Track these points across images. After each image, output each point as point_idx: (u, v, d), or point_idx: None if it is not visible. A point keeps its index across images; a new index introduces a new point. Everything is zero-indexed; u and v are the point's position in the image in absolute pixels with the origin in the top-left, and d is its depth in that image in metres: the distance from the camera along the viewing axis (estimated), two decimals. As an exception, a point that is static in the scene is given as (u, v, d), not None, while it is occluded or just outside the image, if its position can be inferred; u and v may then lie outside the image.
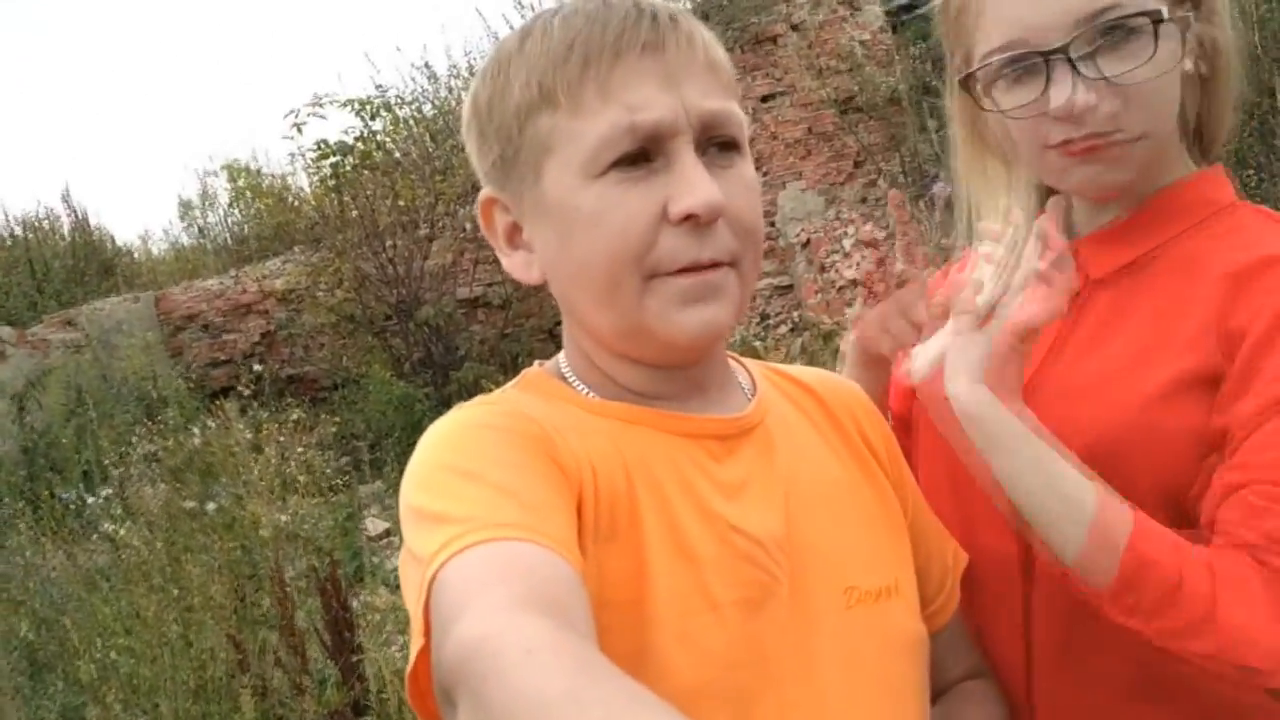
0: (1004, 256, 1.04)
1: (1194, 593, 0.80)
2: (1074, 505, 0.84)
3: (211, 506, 4.58)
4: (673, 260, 0.73)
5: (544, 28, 0.76)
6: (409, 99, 8.38)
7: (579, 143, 0.73)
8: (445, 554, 0.62)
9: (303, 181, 9.08)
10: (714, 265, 0.74)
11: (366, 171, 7.67)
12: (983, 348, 0.89)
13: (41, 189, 15.22)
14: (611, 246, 0.73)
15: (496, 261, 0.82)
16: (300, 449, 5.93)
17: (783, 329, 6.80)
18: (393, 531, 5.34)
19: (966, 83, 0.96)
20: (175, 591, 3.59)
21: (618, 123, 0.72)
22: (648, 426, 0.77)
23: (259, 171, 9.83)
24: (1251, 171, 4.77)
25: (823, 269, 6.88)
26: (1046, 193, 1.05)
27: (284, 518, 4.66)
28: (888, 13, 7.19)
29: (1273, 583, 0.80)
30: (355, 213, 7.53)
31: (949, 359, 0.90)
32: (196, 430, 6.08)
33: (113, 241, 10.05)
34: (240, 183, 9.79)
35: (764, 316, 7.06)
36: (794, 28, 7.39)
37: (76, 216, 9.72)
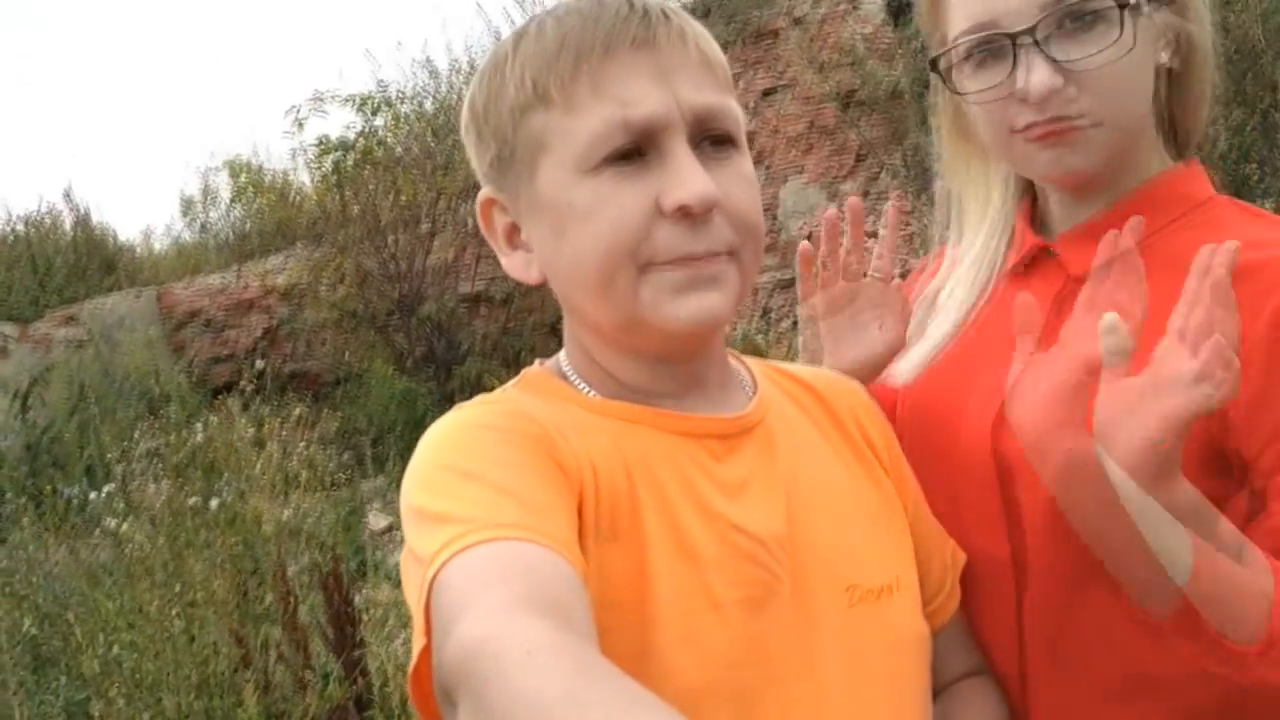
0: (980, 251, 1.05)
1: None
2: (1255, 597, 0.79)
3: (214, 503, 4.58)
4: (667, 252, 0.74)
5: (538, 27, 0.77)
6: (410, 95, 8.38)
7: (572, 139, 0.74)
8: (446, 554, 0.62)
9: (304, 178, 9.09)
10: (710, 256, 0.74)
11: (368, 168, 7.68)
12: (1144, 410, 0.77)
13: (44, 186, 15.26)
14: (605, 241, 0.74)
15: (498, 257, 0.83)
16: (303, 445, 5.94)
17: (785, 324, 6.80)
18: (395, 527, 5.35)
19: (936, 65, 0.97)
20: (178, 587, 3.59)
21: (610, 118, 0.73)
22: (648, 426, 0.78)
23: (260, 168, 9.82)
24: (1254, 166, 4.76)
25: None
26: (1023, 187, 1.05)
27: (286, 513, 4.67)
28: (889, 6, 7.18)
29: None
30: (357, 209, 7.54)
31: (1100, 425, 0.79)
32: (199, 426, 6.09)
33: (115, 238, 10.06)
34: (242, 179, 9.78)
35: (766, 312, 7.06)
36: (795, 22, 7.38)
37: (78, 213, 9.72)
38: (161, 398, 7.00)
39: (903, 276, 1.11)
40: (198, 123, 23.85)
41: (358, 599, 3.43)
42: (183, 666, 3.13)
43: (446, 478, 0.69)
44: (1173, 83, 0.97)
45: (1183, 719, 0.88)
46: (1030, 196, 1.05)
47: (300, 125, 7.63)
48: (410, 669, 0.63)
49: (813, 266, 1.13)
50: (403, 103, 8.20)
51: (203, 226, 10.39)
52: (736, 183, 0.76)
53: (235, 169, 9.92)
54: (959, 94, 0.97)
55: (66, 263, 9.15)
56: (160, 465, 5.60)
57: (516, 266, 0.81)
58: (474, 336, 7.50)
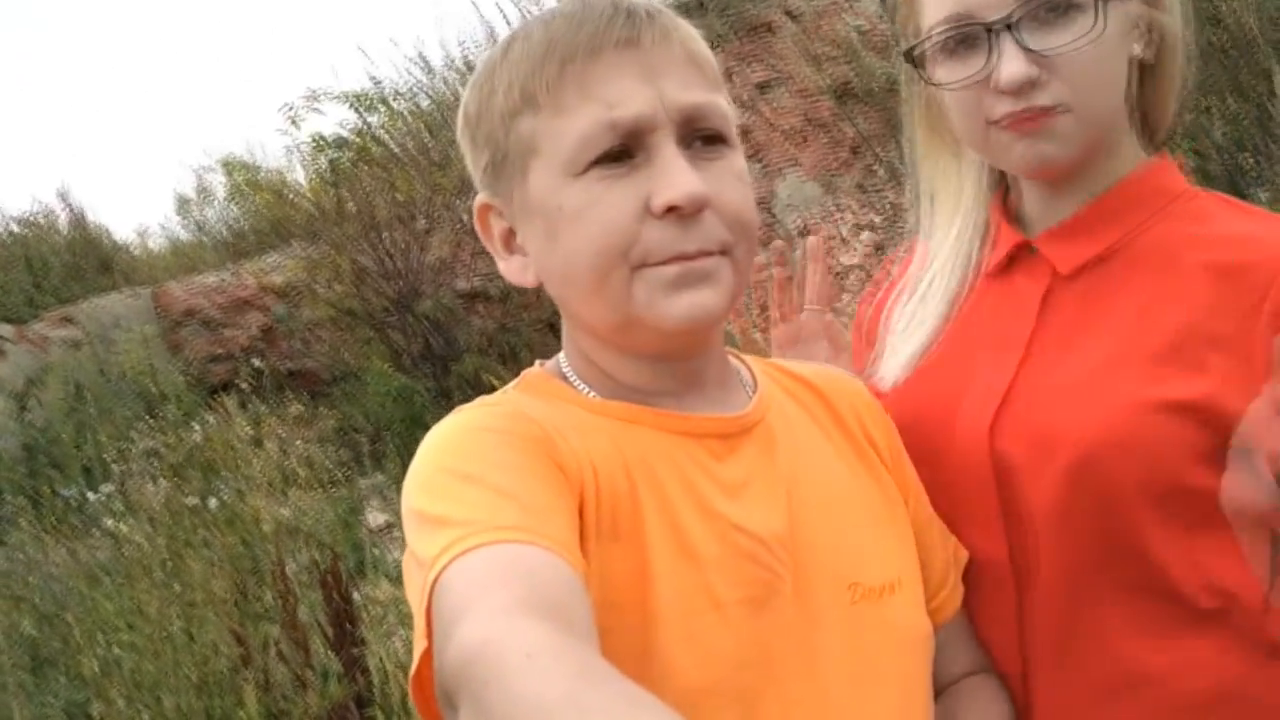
0: (955, 248, 1.05)
1: None
2: None
3: (213, 502, 4.58)
4: (660, 252, 0.74)
5: (526, 33, 0.77)
6: (405, 92, 8.36)
7: (560, 142, 0.74)
8: (447, 557, 0.62)
9: (300, 176, 9.06)
10: (702, 255, 0.74)
11: (363, 165, 7.66)
12: None
13: (38, 186, 15.20)
14: (596, 243, 0.74)
15: (496, 262, 0.83)
16: (300, 443, 5.95)
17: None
18: (394, 524, 5.35)
19: (911, 56, 0.96)
20: (177, 587, 3.60)
21: (597, 119, 0.73)
22: (648, 426, 0.78)
23: (256, 166, 9.80)
24: (1249, 156, 4.77)
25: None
26: (996, 181, 1.05)
27: (285, 512, 4.67)
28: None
29: None
30: (353, 207, 7.52)
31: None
32: (197, 426, 6.09)
33: (110, 238, 10.02)
34: (237, 178, 9.76)
35: (763, 307, 7.05)
36: (791, 15, 7.37)
37: (74, 213, 9.70)
38: (159, 397, 6.99)
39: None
40: (192, 121, 23.79)
41: (357, 597, 3.43)
42: (182, 666, 3.13)
43: (447, 480, 0.69)
44: (1144, 74, 0.97)
45: (1185, 716, 0.89)
46: (1003, 191, 1.05)
47: (295, 123, 7.60)
48: (412, 672, 0.64)
49: (787, 293, 1.18)
50: (397, 100, 8.18)
51: (198, 225, 10.36)
52: (727, 180, 0.76)
53: (230, 167, 9.90)
54: (935, 85, 0.96)
55: (62, 263, 9.13)
56: (158, 465, 5.59)
57: (513, 271, 0.82)
58: (471, 333, 7.49)
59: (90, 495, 5.36)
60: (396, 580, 4.39)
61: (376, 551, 4.88)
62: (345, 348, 7.75)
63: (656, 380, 0.80)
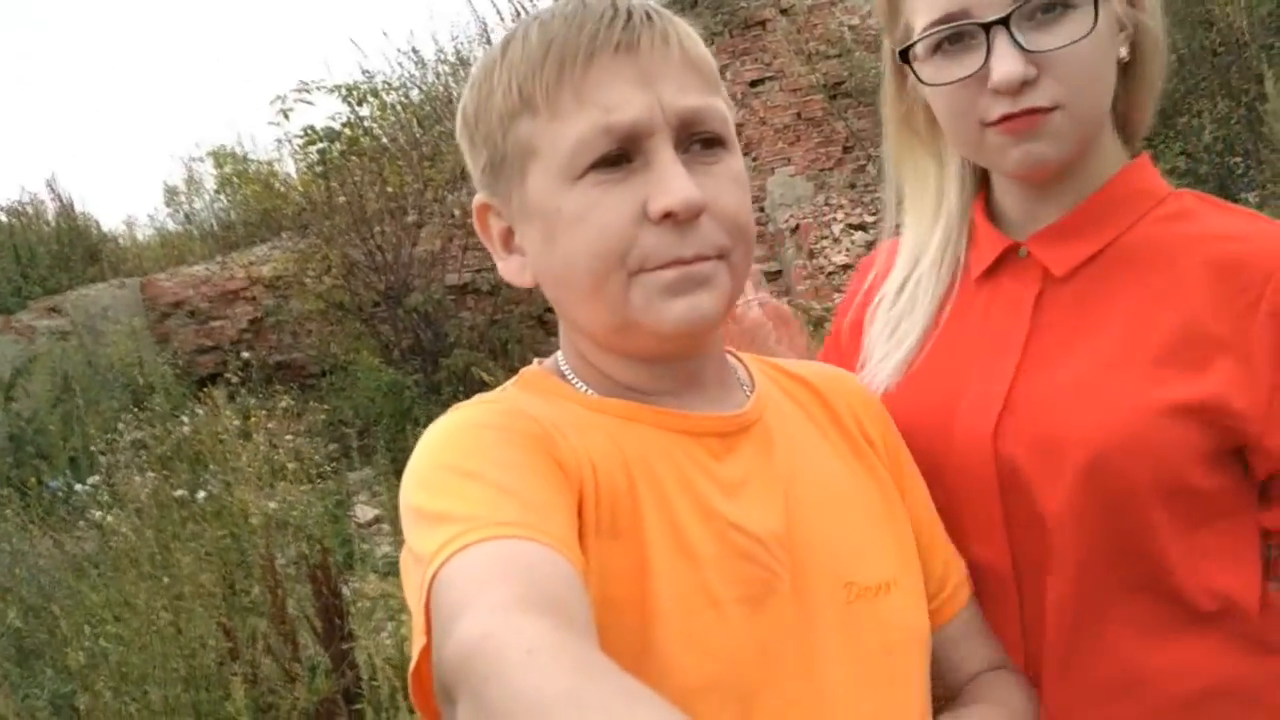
0: (939, 251, 1.04)
1: None
2: None
3: (201, 495, 4.57)
4: (657, 257, 0.74)
5: (524, 34, 0.77)
6: (396, 85, 8.33)
7: (558, 146, 0.74)
8: (446, 553, 0.62)
9: (290, 168, 9.03)
10: (699, 259, 0.74)
11: (354, 158, 7.63)
12: None
13: (27, 175, 15.08)
14: (593, 247, 0.74)
15: (485, 248, 0.83)
16: (289, 436, 5.92)
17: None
18: (382, 518, 5.34)
19: (906, 55, 0.95)
20: (165, 579, 3.58)
21: (594, 124, 0.73)
22: (647, 424, 0.78)
23: (245, 158, 9.76)
24: (1239, 158, 4.79)
25: (812, 254, 6.88)
26: (977, 184, 1.04)
27: (273, 505, 4.66)
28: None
29: None
30: (343, 199, 7.49)
31: None
32: (185, 418, 6.06)
33: (98, 228, 9.95)
34: (226, 169, 9.73)
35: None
36: (783, 12, 7.37)
37: (62, 203, 9.63)
38: (146, 388, 6.96)
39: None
40: (182, 112, 23.66)
41: (345, 591, 3.42)
42: (170, 659, 3.12)
43: (446, 477, 0.69)
44: (1125, 74, 0.97)
45: (1183, 714, 0.89)
46: (984, 194, 1.05)
47: (285, 115, 7.57)
48: (410, 668, 0.64)
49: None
50: (389, 92, 8.15)
51: (187, 216, 10.32)
52: (725, 184, 0.76)
53: (220, 159, 9.86)
54: (928, 85, 0.95)
55: (50, 252, 9.07)
56: (145, 456, 5.57)
57: (511, 271, 0.82)
58: (461, 327, 7.47)
59: (77, 486, 5.34)
60: (385, 575, 4.39)
61: (365, 546, 4.88)
62: (334, 341, 7.72)
63: (654, 380, 0.80)
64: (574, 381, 0.81)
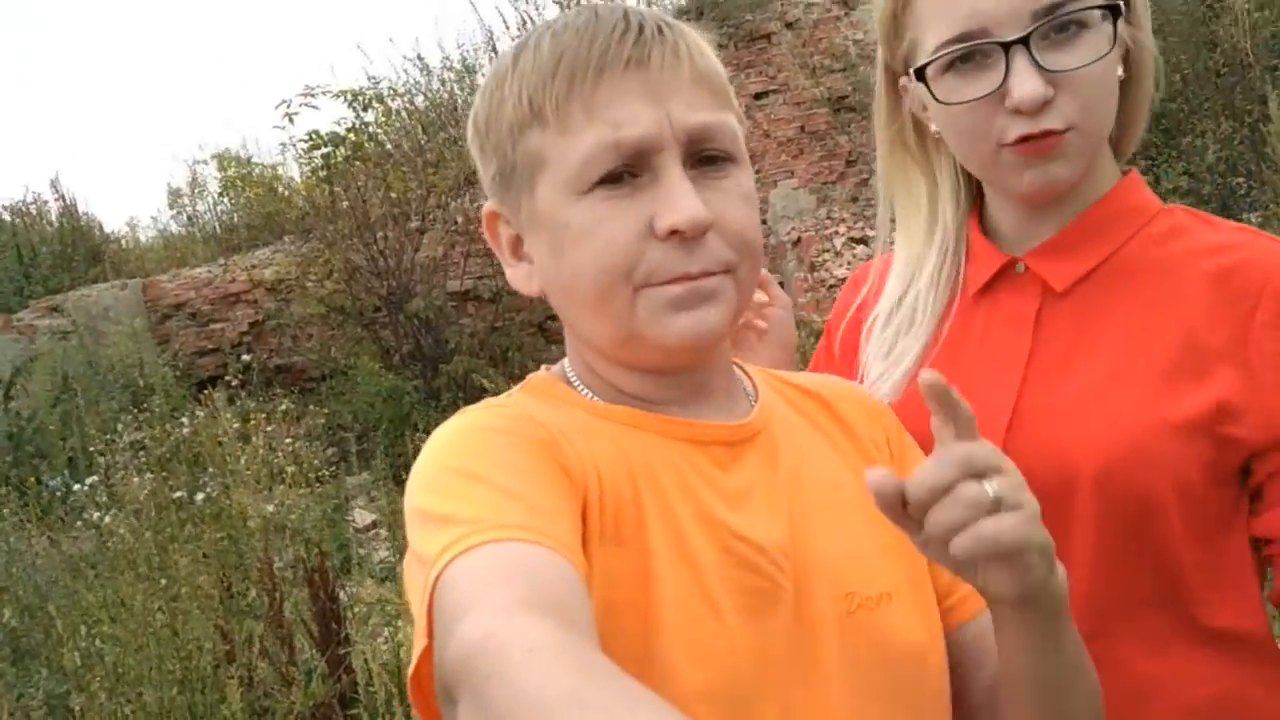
0: (936, 268, 1.04)
1: None
2: None
3: (199, 497, 4.56)
4: (663, 273, 0.74)
5: (536, 43, 0.77)
6: (401, 91, 8.35)
7: (566, 160, 0.74)
8: (450, 554, 0.62)
9: (293, 172, 9.05)
10: (705, 275, 0.75)
11: (358, 163, 7.64)
12: None
13: (30, 175, 15.11)
14: (599, 262, 0.74)
15: (487, 254, 0.84)
16: (288, 440, 5.92)
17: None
18: (379, 523, 5.33)
19: (922, 74, 0.94)
20: (162, 581, 3.58)
21: (602, 140, 0.73)
22: (651, 431, 0.78)
23: (249, 161, 9.78)
24: (1242, 179, 4.80)
25: (813, 267, 6.90)
26: (972, 200, 1.05)
27: (271, 508, 4.66)
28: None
29: None
30: (346, 204, 7.50)
31: None
32: (184, 419, 6.07)
33: (101, 228, 9.99)
34: (230, 172, 9.74)
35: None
36: (788, 26, 7.40)
37: (65, 203, 9.66)
38: (146, 390, 6.96)
39: None
40: (187, 115, 23.74)
41: (342, 595, 3.42)
42: (166, 661, 3.11)
43: (451, 480, 0.69)
44: (1120, 92, 0.96)
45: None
46: (977, 210, 1.05)
47: (290, 119, 7.59)
48: (411, 669, 0.64)
49: None
50: (394, 98, 8.18)
51: (189, 219, 10.34)
52: (733, 201, 0.76)
53: (224, 161, 9.88)
54: (944, 104, 0.94)
55: (52, 252, 9.09)
56: (144, 457, 5.57)
57: (519, 279, 0.82)
58: (461, 334, 7.47)
59: (75, 486, 5.33)
60: (382, 580, 4.38)
61: (362, 551, 4.87)
62: (335, 345, 7.73)
63: (660, 391, 0.80)
64: (580, 388, 0.82)
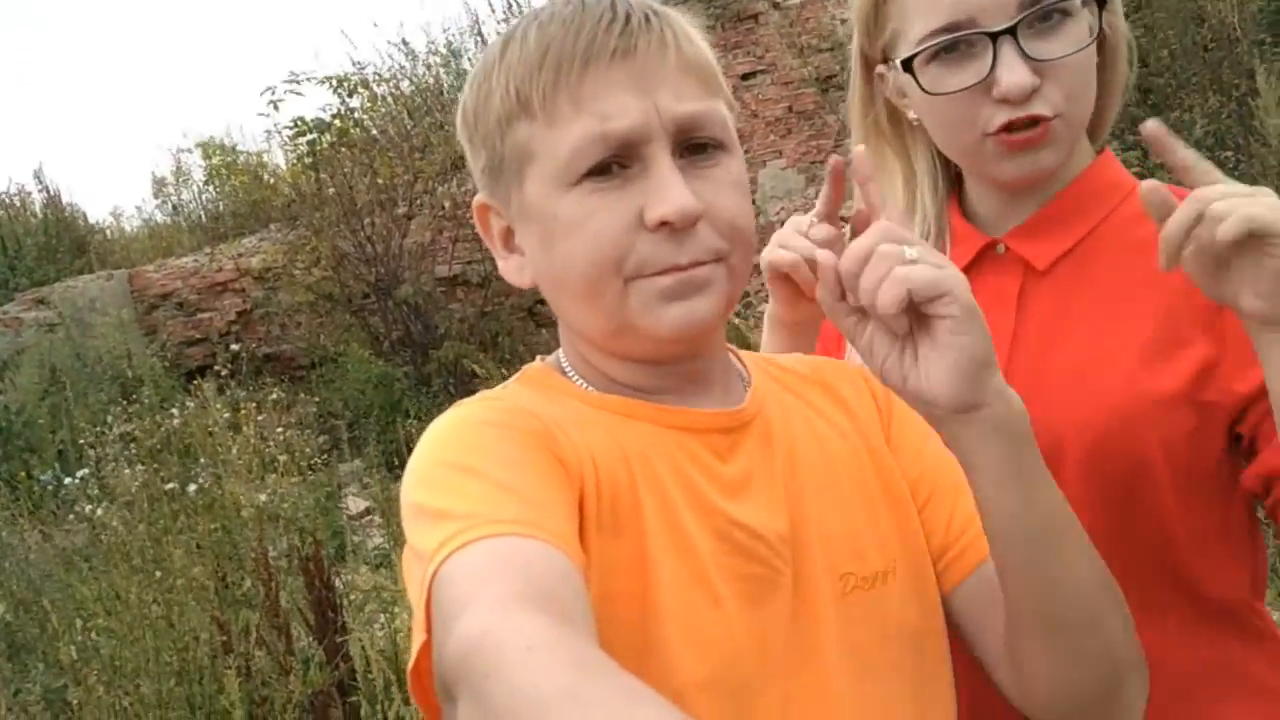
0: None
1: None
2: None
3: (191, 488, 4.55)
4: (654, 264, 0.74)
5: (523, 34, 0.77)
6: (387, 76, 8.31)
7: (554, 152, 0.74)
8: (446, 550, 0.62)
9: (279, 159, 9.00)
10: (696, 265, 0.74)
11: (344, 149, 7.60)
12: None
13: (13, 166, 14.99)
14: (589, 254, 0.74)
15: (475, 239, 0.84)
16: (279, 428, 5.91)
17: (764, 306, 6.81)
18: (373, 510, 5.33)
19: (909, 65, 0.95)
20: (157, 573, 3.57)
21: (589, 132, 0.73)
22: (646, 420, 0.78)
23: (234, 149, 9.72)
24: (1230, 153, 4.81)
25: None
26: (950, 185, 1.05)
27: (264, 497, 4.65)
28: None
29: None
30: (333, 191, 7.46)
31: None
32: (174, 410, 6.05)
33: (85, 219, 9.92)
34: (215, 160, 9.68)
35: (745, 294, 7.07)
36: (775, 5, 7.36)
37: (49, 194, 9.58)
38: (135, 381, 6.93)
39: None
40: (170, 103, 23.55)
41: (338, 583, 3.42)
42: (162, 653, 3.11)
43: (447, 474, 0.69)
44: (1096, 76, 0.98)
45: (1178, 692, 0.91)
46: (955, 194, 1.05)
47: (275, 106, 7.53)
48: (410, 665, 0.64)
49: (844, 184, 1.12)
50: (379, 84, 8.13)
51: (175, 208, 10.27)
52: (724, 189, 0.76)
53: (208, 150, 9.82)
54: (930, 94, 0.95)
55: (36, 244, 9.03)
56: (135, 449, 5.55)
57: (511, 270, 0.82)
58: (451, 319, 7.45)
59: (66, 480, 5.31)
60: (376, 567, 4.38)
61: (356, 538, 4.87)
62: (324, 333, 7.70)
63: (654, 380, 0.80)
64: (575, 379, 0.82)
